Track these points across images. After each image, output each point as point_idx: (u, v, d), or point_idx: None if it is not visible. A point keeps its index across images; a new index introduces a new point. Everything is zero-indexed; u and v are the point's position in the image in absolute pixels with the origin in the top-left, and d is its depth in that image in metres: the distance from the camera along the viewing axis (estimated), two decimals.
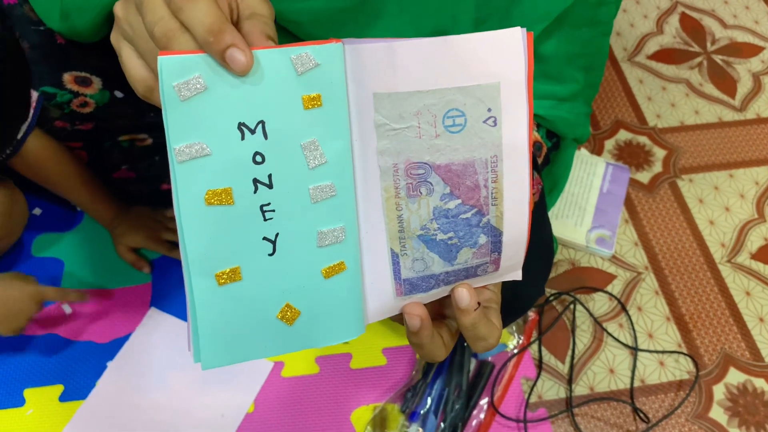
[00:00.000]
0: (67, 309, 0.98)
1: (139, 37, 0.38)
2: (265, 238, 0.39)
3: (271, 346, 0.42)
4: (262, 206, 0.38)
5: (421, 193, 0.40)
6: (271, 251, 0.39)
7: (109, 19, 0.66)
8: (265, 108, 0.37)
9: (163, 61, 0.34)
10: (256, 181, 0.38)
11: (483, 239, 0.41)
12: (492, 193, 0.40)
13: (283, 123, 0.37)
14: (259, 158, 0.37)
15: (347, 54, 0.37)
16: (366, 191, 0.40)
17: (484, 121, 0.39)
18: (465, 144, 0.39)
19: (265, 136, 0.37)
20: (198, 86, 0.35)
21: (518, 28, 0.37)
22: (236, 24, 0.39)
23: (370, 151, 0.39)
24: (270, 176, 0.38)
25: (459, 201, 0.40)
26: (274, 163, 0.38)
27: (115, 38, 0.41)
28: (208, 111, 0.36)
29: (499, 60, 0.38)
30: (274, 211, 0.39)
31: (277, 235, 0.39)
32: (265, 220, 0.38)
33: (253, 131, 0.37)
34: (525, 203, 0.41)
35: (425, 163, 0.39)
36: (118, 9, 0.40)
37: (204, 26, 0.34)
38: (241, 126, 0.36)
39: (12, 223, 0.96)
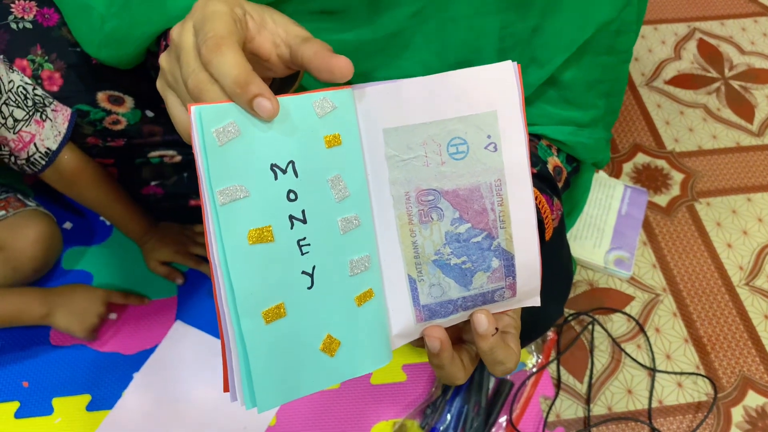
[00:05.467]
0: (112, 315, 1.01)
1: (181, 88, 0.40)
2: (303, 272, 0.40)
3: (318, 379, 0.42)
4: (298, 241, 0.40)
5: (432, 218, 0.42)
6: (309, 284, 0.40)
7: (145, 51, 0.69)
8: (293, 149, 0.39)
9: (202, 110, 0.36)
10: (291, 218, 0.39)
11: (496, 263, 0.43)
12: (500, 216, 0.42)
13: (310, 161, 0.40)
14: (292, 196, 0.39)
15: (356, 97, 0.41)
16: (381, 220, 0.43)
17: (485, 147, 0.41)
18: (469, 170, 0.42)
19: (296, 175, 0.39)
20: (233, 132, 0.37)
21: (509, 61, 0.41)
22: (295, 52, 0.41)
23: (383, 182, 0.42)
24: (303, 212, 0.40)
25: (469, 225, 0.42)
26: (306, 199, 0.40)
27: (161, 86, 0.43)
28: (243, 155, 0.37)
29: (494, 90, 0.41)
30: (309, 245, 0.40)
31: (314, 267, 0.40)
32: (303, 254, 0.40)
33: (284, 171, 0.39)
34: (532, 225, 0.43)
35: (434, 190, 0.42)
36: (163, 60, 0.42)
37: (231, 78, 0.36)
38: (273, 167, 0.38)
39: (50, 253, 1.01)
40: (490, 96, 0.41)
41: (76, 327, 0.94)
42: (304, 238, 0.40)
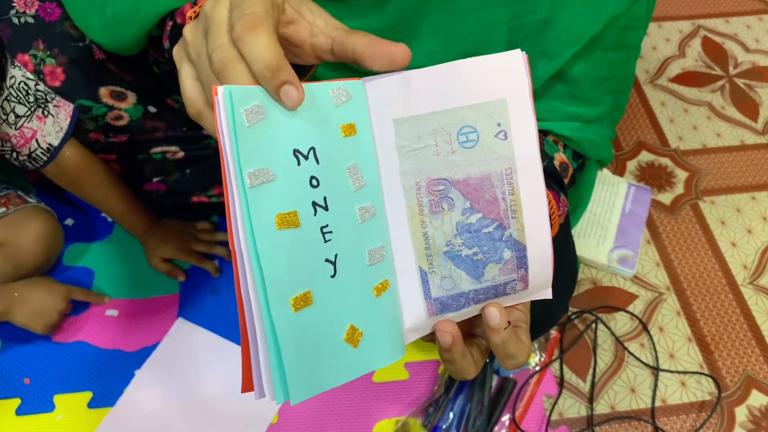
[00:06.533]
0: (113, 312, 1.01)
1: (202, 63, 0.40)
2: (327, 260, 0.39)
3: (343, 371, 0.41)
4: (321, 228, 0.39)
5: (443, 208, 0.42)
6: (332, 273, 0.39)
7: (150, 34, 0.69)
8: (313, 135, 0.38)
9: (232, 89, 0.35)
10: (314, 204, 0.38)
11: (508, 254, 0.43)
12: (511, 206, 0.42)
13: (329, 149, 0.39)
14: (314, 182, 0.38)
15: (368, 89, 0.41)
16: (393, 212, 0.42)
17: (495, 135, 0.41)
18: (480, 158, 0.41)
19: (317, 161, 0.38)
20: (260, 114, 0.36)
21: (518, 50, 0.41)
22: (342, 42, 0.42)
23: (394, 173, 0.42)
24: (325, 199, 0.39)
25: (480, 215, 0.42)
26: (327, 186, 0.39)
27: (178, 54, 0.43)
28: (268, 138, 0.37)
29: (503, 78, 0.41)
30: (332, 232, 0.39)
31: (336, 256, 0.39)
32: (326, 241, 0.39)
33: (306, 157, 0.38)
34: (544, 215, 0.42)
35: (444, 179, 0.41)
36: (187, 32, 0.42)
37: (263, 61, 0.36)
38: (296, 152, 0.37)
39: (52, 251, 1.00)
40: (499, 84, 0.41)
41: (35, 324, 0.93)
42: (327, 225, 0.39)
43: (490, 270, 0.43)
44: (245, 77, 0.37)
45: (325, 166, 0.39)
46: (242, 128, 0.36)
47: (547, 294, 0.45)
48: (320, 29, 0.43)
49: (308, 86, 0.38)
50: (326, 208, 0.39)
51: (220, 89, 0.35)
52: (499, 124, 0.41)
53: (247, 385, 0.39)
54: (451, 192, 0.42)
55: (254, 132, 0.36)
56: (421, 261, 0.43)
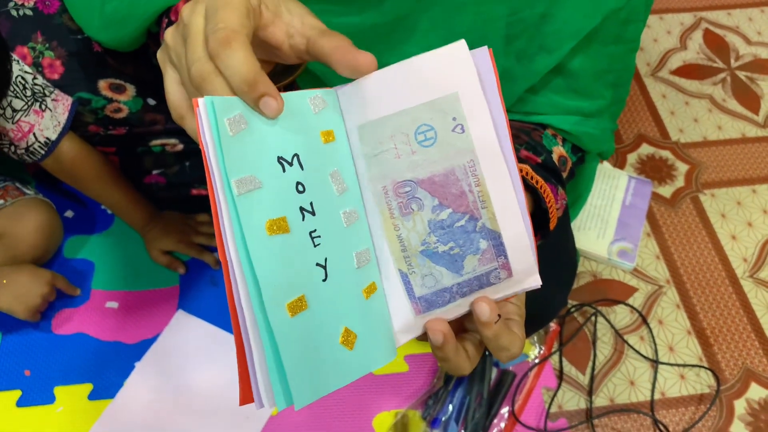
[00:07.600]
0: (113, 304, 1.01)
1: (182, 67, 0.40)
2: (317, 264, 0.39)
3: (341, 374, 0.41)
4: (310, 233, 0.39)
5: (412, 209, 0.42)
6: (324, 277, 0.40)
7: (148, 31, 0.68)
8: (296, 142, 0.39)
9: (214, 100, 0.36)
10: (302, 209, 0.39)
11: (484, 244, 0.43)
12: (479, 197, 0.42)
13: (312, 155, 0.40)
14: (300, 188, 0.39)
15: (339, 96, 0.42)
16: (370, 217, 0.43)
17: (452, 130, 0.41)
18: (441, 155, 0.41)
19: (302, 167, 0.39)
20: (242, 123, 0.37)
21: (462, 41, 0.41)
22: (313, 45, 0.41)
23: (365, 179, 0.42)
24: (312, 204, 0.39)
25: (450, 210, 0.42)
26: (312, 191, 0.39)
27: (161, 58, 0.43)
28: (252, 146, 0.37)
29: (452, 72, 0.41)
30: (320, 236, 0.40)
31: (326, 259, 0.40)
32: (315, 246, 0.39)
33: (290, 163, 0.38)
34: (514, 201, 0.42)
35: (410, 180, 0.42)
36: (168, 36, 0.42)
37: (240, 76, 0.36)
38: (280, 159, 0.38)
39: (51, 242, 1.00)
40: (449, 78, 0.41)
41: (19, 308, 0.93)
42: (315, 230, 0.39)
43: (468, 262, 0.43)
44: (224, 90, 0.37)
45: (309, 171, 0.39)
46: (226, 138, 0.36)
47: (536, 280, 0.45)
48: (296, 30, 0.42)
49: (287, 95, 0.39)
50: (313, 213, 0.39)
51: (201, 101, 0.36)
52: (454, 119, 0.41)
53: (246, 397, 0.38)
54: (418, 192, 0.42)
55: (238, 141, 0.37)
56: (399, 263, 0.43)
